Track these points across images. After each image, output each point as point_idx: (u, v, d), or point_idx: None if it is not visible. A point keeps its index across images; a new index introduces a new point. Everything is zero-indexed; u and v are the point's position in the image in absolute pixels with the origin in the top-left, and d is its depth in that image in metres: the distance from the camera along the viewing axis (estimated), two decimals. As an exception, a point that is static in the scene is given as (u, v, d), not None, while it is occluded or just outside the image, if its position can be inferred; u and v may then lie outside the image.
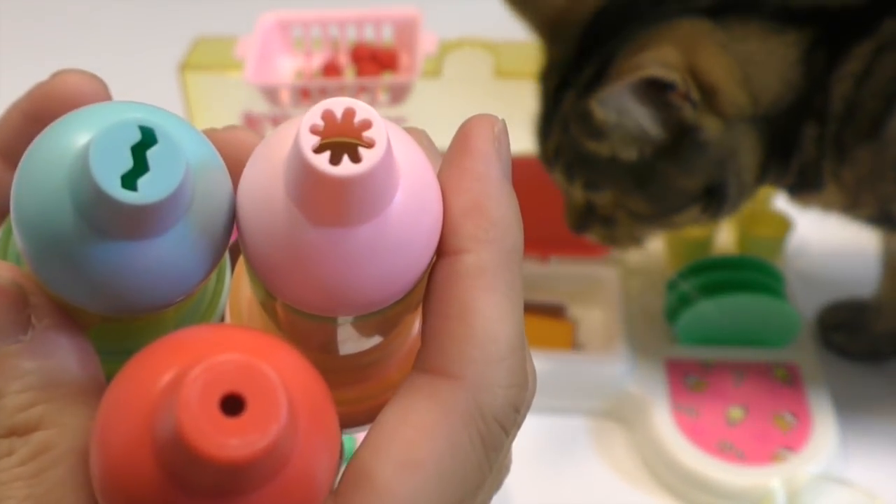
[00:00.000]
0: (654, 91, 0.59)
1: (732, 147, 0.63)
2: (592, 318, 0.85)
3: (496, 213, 0.24)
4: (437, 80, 0.90)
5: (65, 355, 0.23)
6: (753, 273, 0.77)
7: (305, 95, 0.83)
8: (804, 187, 0.68)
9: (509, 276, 0.23)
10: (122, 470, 0.19)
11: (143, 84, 1.20)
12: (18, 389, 0.23)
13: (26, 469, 0.22)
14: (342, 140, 0.21)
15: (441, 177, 0.25)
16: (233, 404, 0.18)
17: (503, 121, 0.25)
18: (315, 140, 0.21)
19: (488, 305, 0.23)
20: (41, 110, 0.27)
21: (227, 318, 0.28)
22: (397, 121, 0.96)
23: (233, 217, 0.23)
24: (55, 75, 0.27)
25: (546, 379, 0.77)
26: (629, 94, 0.59)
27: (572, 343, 0.81)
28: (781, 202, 0.87)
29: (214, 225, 0.23)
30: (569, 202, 0.70)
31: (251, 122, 0.97)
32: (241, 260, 0.28)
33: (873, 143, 0.62)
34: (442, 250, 0.24)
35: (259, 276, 0.23)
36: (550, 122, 0.66)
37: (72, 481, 0.22)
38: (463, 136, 0.26)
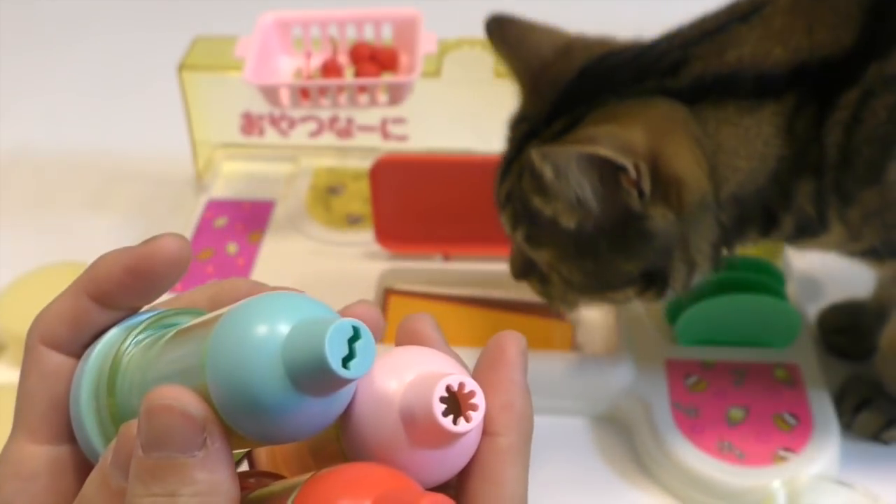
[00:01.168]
0: (604, 167, 0.57)
1: (683, 235, 0.61)
2: (592, 318, 0.85)
3: (522, 410, 0.33)
4: (437, 80, 0.90)
5: (225, 473, 0.30)
6: (754, 273, 0.77)
7: (305, 95, 0.83)
8: (802, 236, 0.67)
9: (527, 452, 0.33)
10: None
11: (143, 84, 1.21)
12: (190, 493, 0.29)
13: None
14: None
15: (484, 377, 0.33)
16: None
17: (525, 339, 0.34)
18: (443, 407, 0.30)
19: (513, 474, 0.32)
20: (141, 266, 0.34)
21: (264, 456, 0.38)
22: (397, 121, 0.96)
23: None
24: (155, 239, 0.34)
25: (546, 379, 0.77)
26: (574, 161, 0.57)
27: (572, 343, 0.81)
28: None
29: (349, 393, 0.32)
30: (514, 247, 0.69)
31: (250, 121, 0.97)
32: None
33: (876, 185, 0.62)
34: (482, 431, 0.32)
35: (351, 456, 0.32)
36: (510, 166, 0.65)
37: None
38: (498, 348, 0.34)
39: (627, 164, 0.56)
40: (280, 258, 0.88)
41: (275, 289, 0.35)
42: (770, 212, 0.64)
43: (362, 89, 0.82)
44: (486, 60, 0.90)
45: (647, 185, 0.58)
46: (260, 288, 0.36)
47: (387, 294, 0.85)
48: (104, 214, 1.02)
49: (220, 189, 0.98)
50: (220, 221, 0.93)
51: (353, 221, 0.92)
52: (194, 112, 0.95)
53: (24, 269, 0.86)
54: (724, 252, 0.65)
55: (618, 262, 0.63)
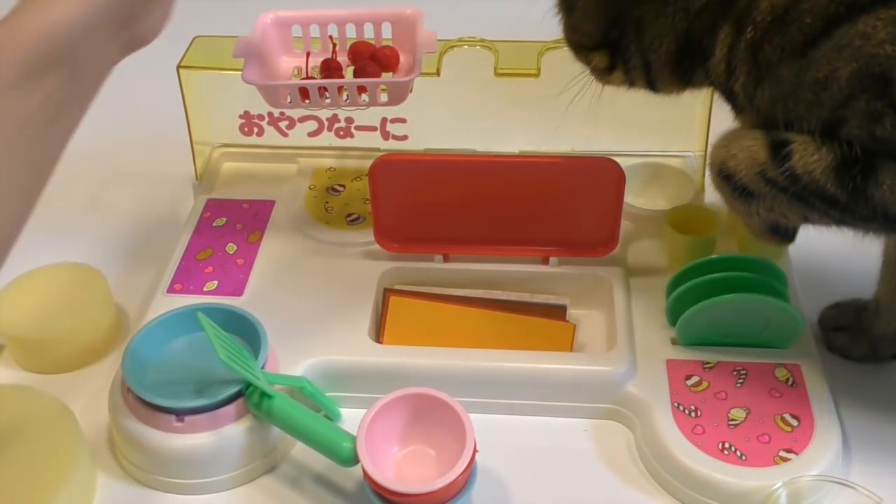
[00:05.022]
0: None
1: (638, 20, 0.66)
2: (593, 318, 0.85)
3: None
4: (437, 79, 0.89)
5: None
6: (755, 273, 0.77)
7: (304, 95, 0.82)
8: (730, 105, 0.68)
9: None
10: None
11: (143, 84, 1.20)
12: None
13: None
14: None
15: None
16: None
17: None
18: None
19: None
20: None
21: None
22: (397, 121, 0.95)
23: None
24: None
25: (546, 379, 0.77)
26: None
27: (573, 344, 0.81)
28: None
29: None
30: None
31: (249, 121, 0.97)
32: None
33: (799, 61, 0.61)
34: None
35: None
36: None
37: None
38: None
39: None
40: (279, 258, 0.88)
41: None
42: (702, 46, 0.65)
43: (362, 89, 0.82)
44: (486, 60, 0.90)
45: None
46: None
47: (386, 294, 0.84)
48: (103, 214, 1.02)
49: (220, 189, 0.98)
50: (220, 221, 0.93)
51: (352, 221, 0.92)
52: (193, 112, 0.95)
53: (23, 270, 0.86)
54: (683, 83, 0.69)
55: (585, 19, 0.69)
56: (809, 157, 0.63)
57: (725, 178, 0.67)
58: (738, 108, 0.67)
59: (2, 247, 0.53)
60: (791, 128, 0.63)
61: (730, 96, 0.67)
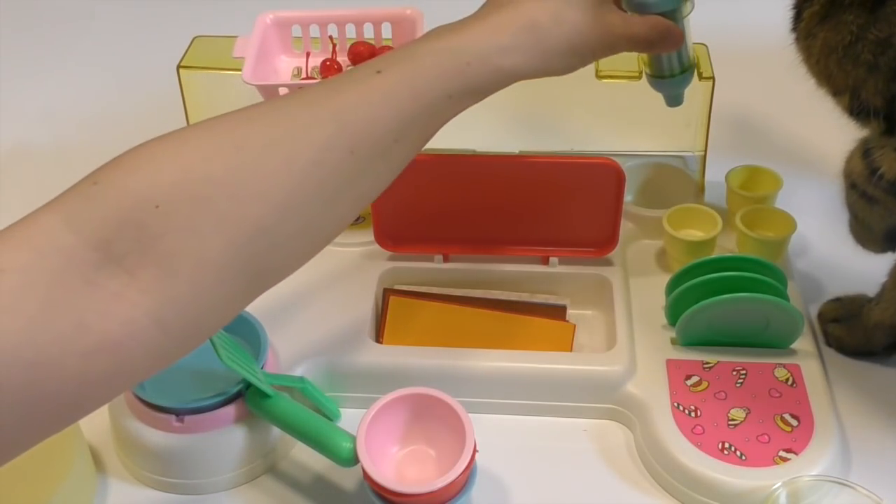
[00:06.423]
0: None
1: None
2: (593, 318, 0.85)
3: None
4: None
5: None
6: (755, 273, 0.77)
7: (304, 95, 0.82)
8: (792, 26, 0.69)
9: None
10: None
11: (142, 84, 1.20)
12: None
13: None
14: None
15: None
16: None
17: None
18: None
19: None
20: None
21: None
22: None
23: None
24: None
25: (546, 379, 0.77)
26: None
27: (573, 344, 0.81)
28: (785, 202, 0.87)
29: None
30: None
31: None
32: None
33: (866, 14, 0.62)
34: None
35: None
36: None
37: None
38: None
39: None
40: (279, 258, 0.88)
41: None
42: None
43: (362, 89, 0.82)
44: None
45: None
46: None
47: (386, 294, 0.84)
48: (103, 214, 1.01)
49: (220, 189, 0.98)
50: (220, 221, 0.93)
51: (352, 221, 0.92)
52: (193, 112, 0.95)
53: (22, 270, 0.86)
54: None
55: None
56: (894, 165, 0.67)
57: (852, 186, 0.72)
58: (795, 35, 0.68)
59: (352, 214, 0.59)
60: (858, 96, 0.65)
61: (796, 18, 0.68)
